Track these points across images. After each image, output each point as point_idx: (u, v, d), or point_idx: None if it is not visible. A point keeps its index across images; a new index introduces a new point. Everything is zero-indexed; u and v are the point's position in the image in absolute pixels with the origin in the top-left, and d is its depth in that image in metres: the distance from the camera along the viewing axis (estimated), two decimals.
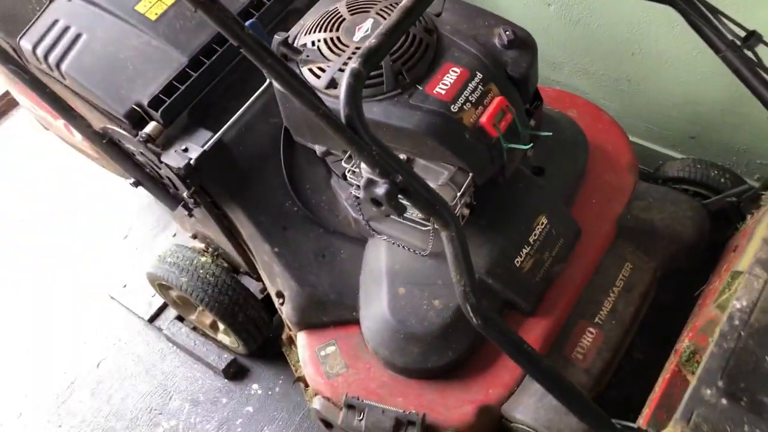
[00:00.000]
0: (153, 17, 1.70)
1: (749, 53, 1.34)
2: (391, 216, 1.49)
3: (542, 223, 1.61)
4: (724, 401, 1.16)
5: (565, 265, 1.66)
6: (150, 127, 1.59)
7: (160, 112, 1.58)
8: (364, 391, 1.56)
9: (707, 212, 1.72)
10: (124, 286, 2.20)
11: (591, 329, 1.62)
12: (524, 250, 1.58)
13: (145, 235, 2.40)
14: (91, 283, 2.30)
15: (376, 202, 1.04)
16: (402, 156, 1.44)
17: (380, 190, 1.01)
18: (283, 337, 1.82)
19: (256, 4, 1.74)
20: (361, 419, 1.53)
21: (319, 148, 1.60)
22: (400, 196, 1.04)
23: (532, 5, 1.90)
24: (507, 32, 1.45)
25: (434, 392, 1.55)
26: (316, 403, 1.60)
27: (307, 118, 1.49)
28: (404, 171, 1.03)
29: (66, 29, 1.70)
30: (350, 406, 1.54)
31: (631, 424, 1.30)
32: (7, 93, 2.87)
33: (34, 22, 1.71)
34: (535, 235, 1.60)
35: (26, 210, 2.58)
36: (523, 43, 1.47)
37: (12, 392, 2.12)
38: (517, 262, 1.57)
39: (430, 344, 1.53)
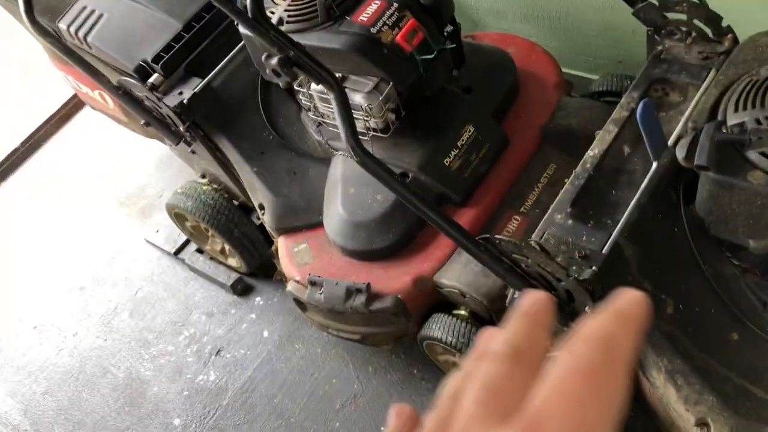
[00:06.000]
0: None
1: None
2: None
3: (469, 131, 1.92)
4: (570, 221, 1.44)
5: (492, 165, 1.95)
6: (153, 78, 2.02)
7: (160, 65, 2.01)
8: (326, 274, 1.90)
9: None
10: (157, 231, 2.64)
11: (516, 217, 1.89)
12: (453, 152, 1.89)
13: None
14: (131, 231, 2.75)
15: (276, 73, 1.41)
16: (338, 74, 1.80)
17: (274, 60, 1.37)
18: (273, 249, 2.19)
19: None
20: (321, 292, 1.87)
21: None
22: (294, 68, 1.40)
23: None
24: None
25: (380, 269, 1.87)
26: (290, 287, 1.95)
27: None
28: (295, 48, 1.39)
29: (92, 12, 2.16)
30: (312, 283, 1.89)
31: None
32: (74, 97, 3.44)
33: (68, 10, 2.20)
34: (462, 140, 1.90)
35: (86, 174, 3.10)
36: None
37: (67, 317, 2.58)
38: (446, 161, 1.88)
39: (374, 229, 1.86)
